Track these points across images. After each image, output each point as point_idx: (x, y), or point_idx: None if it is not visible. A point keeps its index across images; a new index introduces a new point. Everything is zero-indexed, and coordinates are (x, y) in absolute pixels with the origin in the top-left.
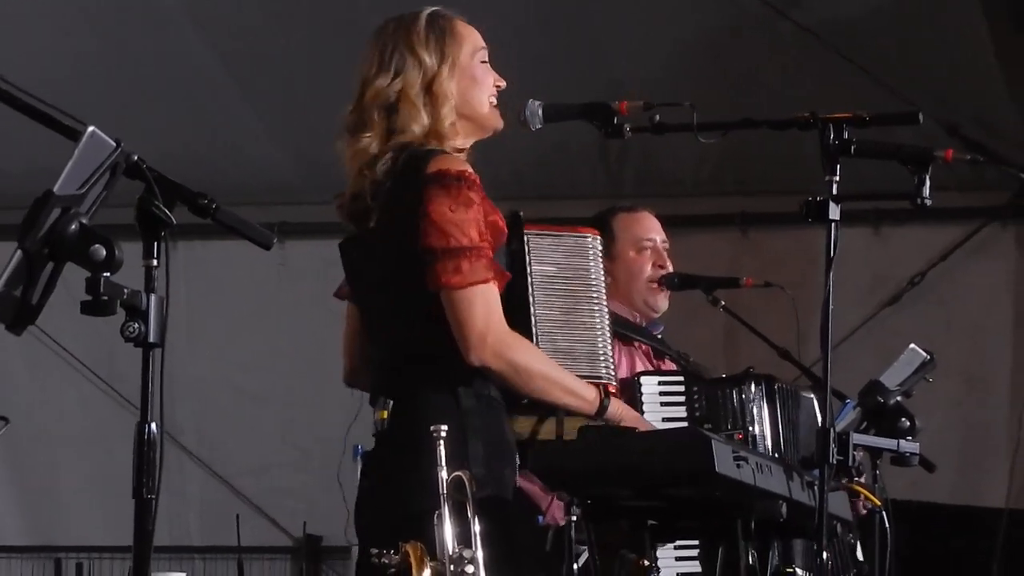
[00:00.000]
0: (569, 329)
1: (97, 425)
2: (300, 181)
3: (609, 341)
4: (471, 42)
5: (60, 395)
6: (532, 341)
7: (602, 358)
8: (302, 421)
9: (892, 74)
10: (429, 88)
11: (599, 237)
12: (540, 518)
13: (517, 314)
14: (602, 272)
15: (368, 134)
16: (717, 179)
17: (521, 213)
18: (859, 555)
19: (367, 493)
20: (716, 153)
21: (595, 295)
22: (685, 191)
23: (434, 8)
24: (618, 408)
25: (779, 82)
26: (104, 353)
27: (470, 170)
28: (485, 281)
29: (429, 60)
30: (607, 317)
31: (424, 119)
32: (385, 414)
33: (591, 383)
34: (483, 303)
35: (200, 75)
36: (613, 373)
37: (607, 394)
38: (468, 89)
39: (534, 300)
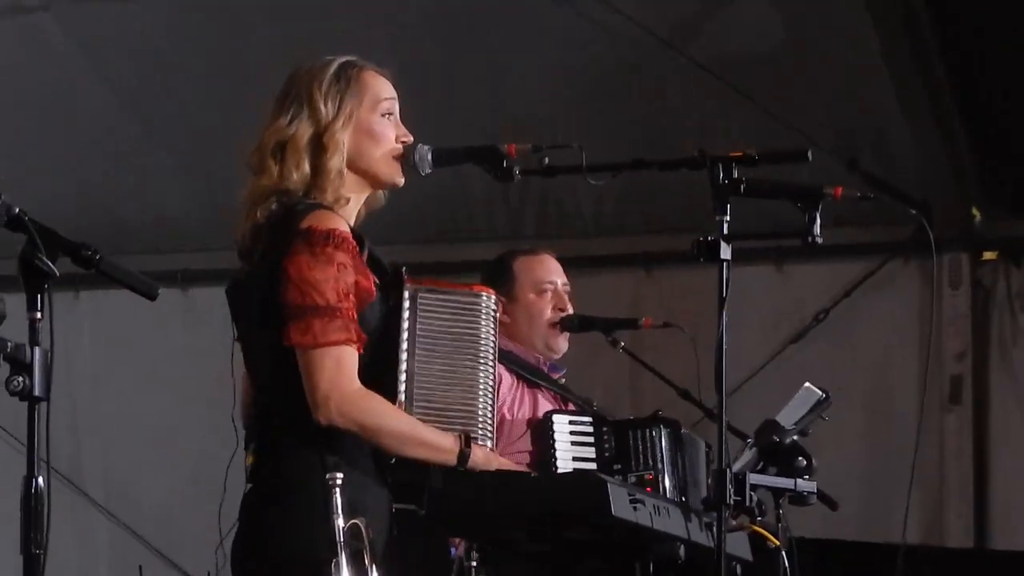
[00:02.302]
0: (447, 387)
1: None
2: (203, 226)
3: (491, 404)
4: (373, 94)
5: None
6: (398, 398)
7: (480, 419)
8: (211, 468)
9: (790, 109)
10: (319, 138)
11: (493, 296)
12: (452, 550)
13: (387, 370)
14: (493, 333)
15: (261, 177)
16: (619, 218)
17: (404, 268)
18: None
19: (245, 538)
20: (618, 192)
21: (482, 356)
22: (587, 231)
23: (348, 58)
24: (483, 456)
25: (676, 119)
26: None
27: (342, 228)
28: (336, 343)
29: (324, 110)
30: (492, 379)
31: (305, 168)
32: (251, 459)
33: (451, 433)
34: (329, 364)
35: (100, 119)
36: (490, 434)
37: (467, 442)
38: (362, 143)
39: (412, 355)
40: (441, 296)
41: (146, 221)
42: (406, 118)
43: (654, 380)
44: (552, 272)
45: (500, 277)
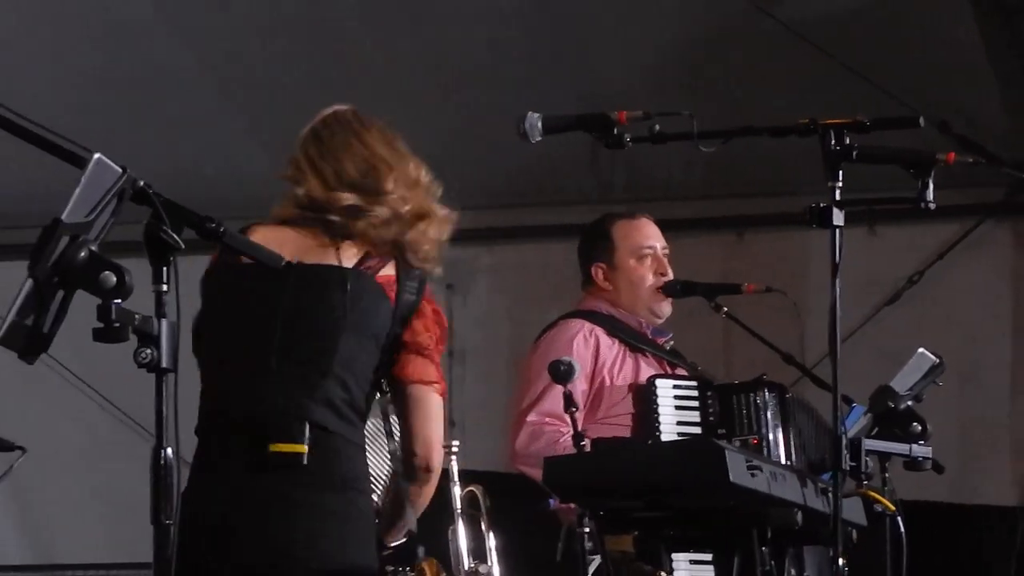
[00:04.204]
0: None
1: (96, 441)
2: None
3: None
4: None
5: (57, 410)
6: None
7: None
8: None
9: (878, 71)
10: None
11: None
12: (551, 502)
13: None
14: None
15: None
16: (708, 182)
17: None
18: None
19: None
20: (706, 155)
21: None
22: (676, 194)
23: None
24: None
25: (764, 82)
26: (102, 368)
27: None
28: None
29: None
30: None
31: None
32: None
33: None
34: None
35: (191, 93)
36: None
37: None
38: None
39: None
40: None
41: (240, 191)
42: (501, 88)
43: (746, 344)
44: (651, 237)
45: (599, 242)
